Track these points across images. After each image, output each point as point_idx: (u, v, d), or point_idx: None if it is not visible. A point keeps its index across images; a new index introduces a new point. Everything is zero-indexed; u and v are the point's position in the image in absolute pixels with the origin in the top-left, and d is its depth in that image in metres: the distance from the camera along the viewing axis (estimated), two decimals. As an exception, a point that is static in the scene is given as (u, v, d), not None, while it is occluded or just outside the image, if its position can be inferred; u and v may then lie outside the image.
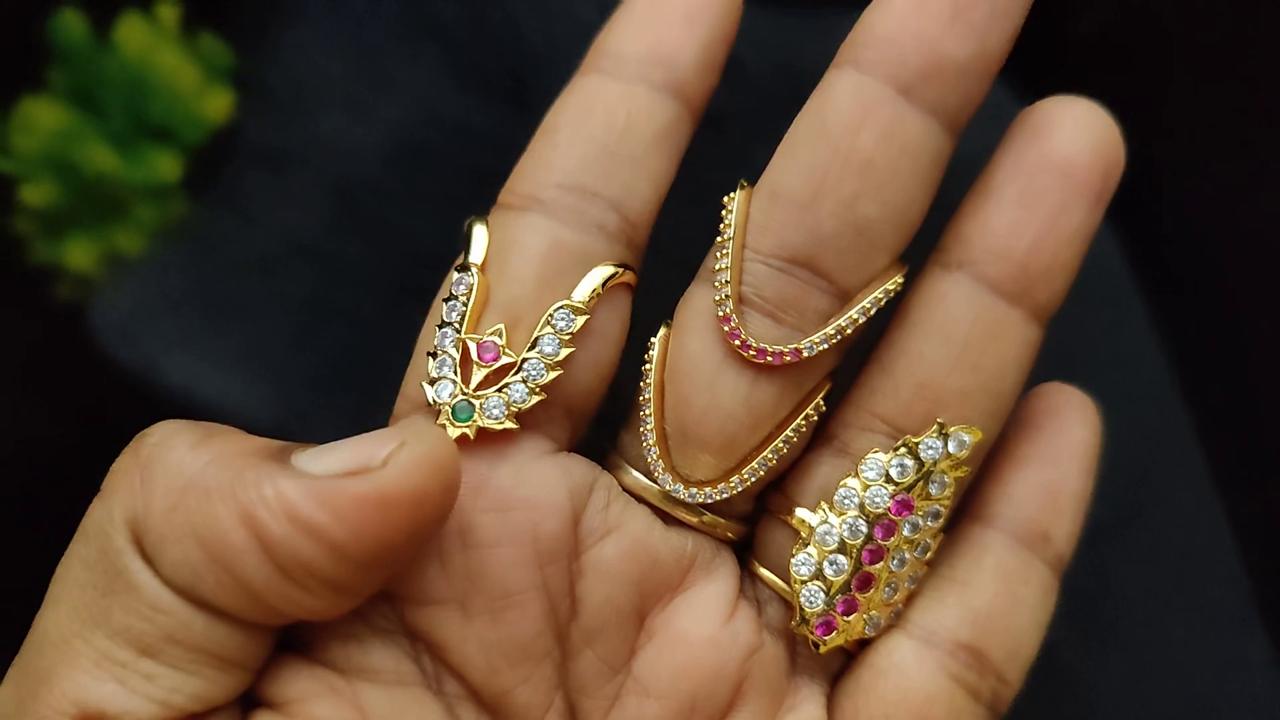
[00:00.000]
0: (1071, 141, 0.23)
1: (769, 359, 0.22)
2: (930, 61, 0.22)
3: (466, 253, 0.23)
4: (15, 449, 0.32)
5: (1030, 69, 0.35)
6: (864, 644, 0.24)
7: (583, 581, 0.22)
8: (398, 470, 0.19)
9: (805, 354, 0.22)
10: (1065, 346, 0.33)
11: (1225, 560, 0.31)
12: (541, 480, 0.22)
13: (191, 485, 0.19)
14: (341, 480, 0.19)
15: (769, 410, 0.23)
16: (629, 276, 0.23)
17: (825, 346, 0.22)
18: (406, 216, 0.34)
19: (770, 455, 0.23)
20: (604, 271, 0.22)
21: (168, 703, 0.20)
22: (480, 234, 0.23)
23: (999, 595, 0.23)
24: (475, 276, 0.22)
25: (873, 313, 0.23)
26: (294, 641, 0.22)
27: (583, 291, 0.22)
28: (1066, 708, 0.30)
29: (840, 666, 0.24)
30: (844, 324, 0.22)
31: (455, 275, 0.23)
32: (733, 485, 0.23)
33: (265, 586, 0.19)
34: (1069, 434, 0.24)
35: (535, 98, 0.34)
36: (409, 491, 0.19)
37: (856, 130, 0.22)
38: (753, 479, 0.23)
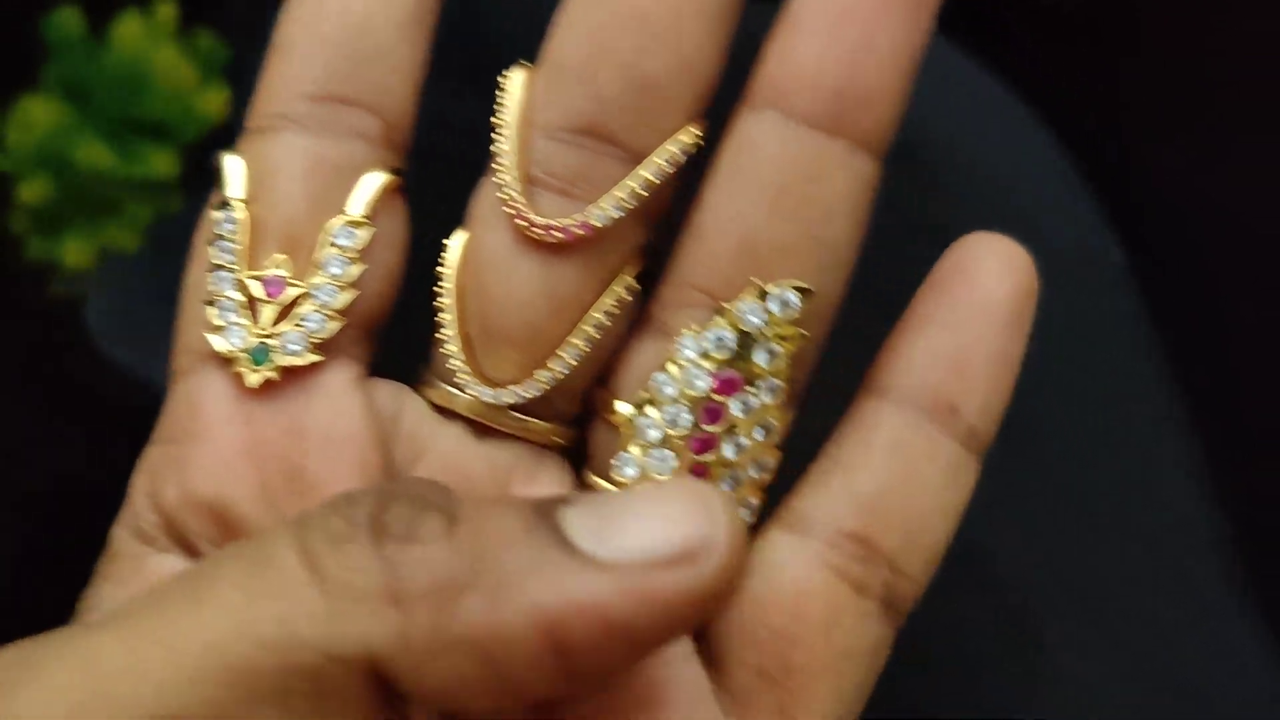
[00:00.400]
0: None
1: (558, 235, 0.21)
2: None
3: (221, 188, 0.21)
4: (10, 446, 0.32)
5: (999, 43, 0.35)
6: None
7: None
8: (726, 559, 0.16)
9: (597, 223, 0.21)
10: (1057, 339, 0.33)
11: (1217, 549, 0.31)
12: (352, 407, 0.21)
13: (467, 590, 0.16)
14: (663, 574, 0.16)
15: (571, 294, 0.21)
16: (400, 181, 0.22)
17: (619, 213, 0.21)
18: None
19: (579, 342, 0.21)
20: (377, 179, 0.21)
21: None
22: (235, 165, 0.21)
23: (890, 476, 0.20)
24: (241, 211, 0.21)
25: (669, 171, 0.21)
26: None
27: (359, 204, 0.21)
28: (1056, 696, 0.30)
29: None
30: (635, 185, 0.21)
31: (217, 214, 0.21)
32: (541, 379, 0.21)
33: (546, 690, 0.17)
34: (980, 288, 0.21)
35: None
36: (734, 581, 0.16)
37: None
38: (563, 369, 0.21)
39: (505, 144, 0.21)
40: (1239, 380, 0.33)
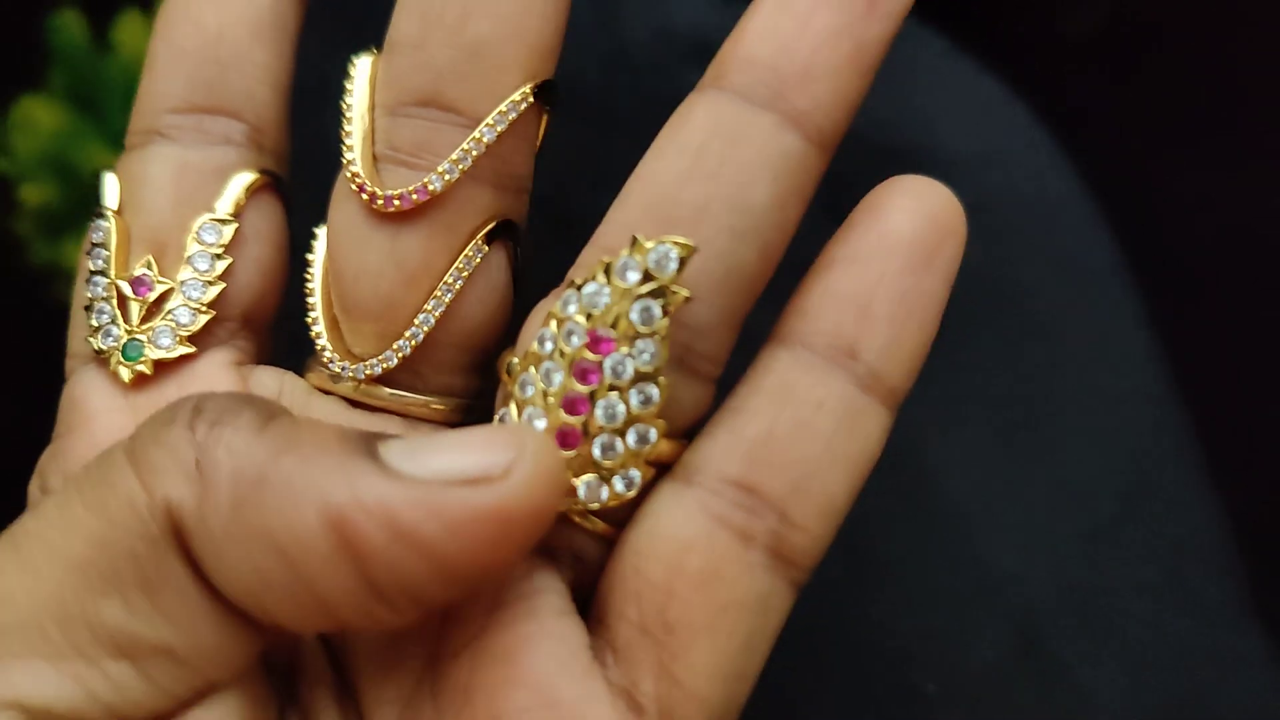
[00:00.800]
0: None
1: (398, 204, 0.21)
2: None
3: (100, 202, 0.22)
4: (11, 449, 0.32)
5: (1023, 64, 0.35)
6: (617, 518, 0.20)
7: None
8: (523, 484, 0.17)
9: (433, 187, 0.21)
10: (1061, 344, 0.33)
11: (1223, 557, 0.31)
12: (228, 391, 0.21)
13: (266, 479, 0.17)
14: (457, 490, 0.16)
15: (420, 261, 0.21)
16: (272, 180, 0.22)
17: (454, 175, 0.21)
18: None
19: (430, 306, 0.21)
20: (244, 178, 0.22)
21: (116, 709, 0.17)
22: (110, 180, 0.22)
23: (778, 420, 0.19)
24: (111, 220, 0.22)
25: (500, 129, 0.21)
26: None
27: (225, 202, 0.22)
28: (1061, 705, 0.30)
29: (597, 551, 0.21)
30: (468, 146, 0.21)
31: (93, 224, 0.22)
32: (398, 348, 0.21)
33: (345, 599, 0.17)
34: (886, 226, 0.19)
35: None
36: (532, 509, 0.17)
37: None
38: (417, 336, 0.21)
39: (350, 126, 0.21)
40: (1247, 388, 0.33)
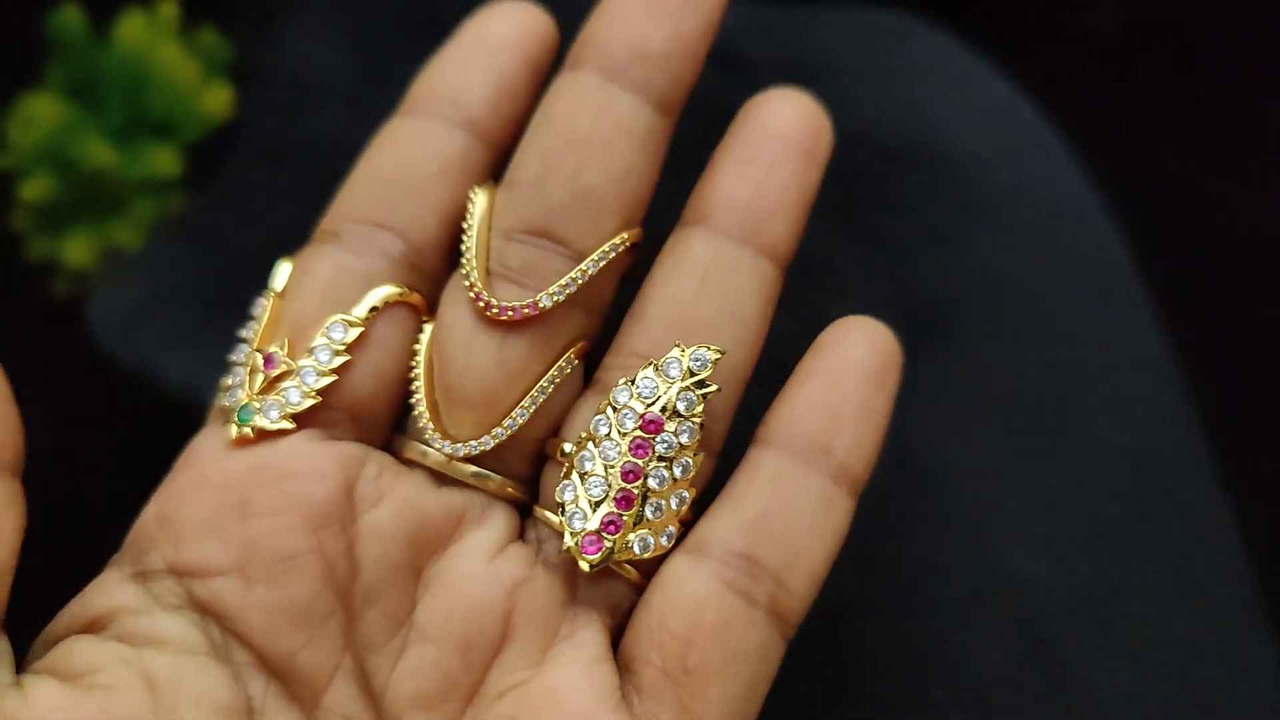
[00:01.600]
0: (774, 115, 0.26)
1: (510, 314, 0.25)
2: (632, 51, 0.25)
3: (271, 283, 0.26)
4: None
5: (1040, 64, 0.35)
6: (646, 571, 0.25)
7: (359, 544, 0.24)
8: None
9: (542, 305, 0.25)
10: (1070, 345, 0.33)
11: (1231, 559, 0.31)
12: (311, 455, 0.24)
13: None
14: None
15: (521, 364, 0.25)
16: (414, 298, 0.25)
17: (560, 297, 0.25)
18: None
19: (527, 404, 0.25)
20: (384, 290, 0.25)
21: None
22: (284, 267, 0.26)
23: (771, 504, 0.24)
24: (269, 299, 0.25)
25: (602, 264, 0.25)
26: (83, 622, 0.23)
27: (361, 307, 0.25)
28: (1068, 708, 0.30)
29: (630, 602, 0.25)
30: (575, 276, 0.25)
31: (257, 300, 0.26)
32: (495, 435, 0.25)
33: None
34: (847, 351, 0.25)
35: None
36: None
37: (575, 114, 0.25)
38: (513, 426, 0.25)
39: (470, 244, 0.25)
40: (1257, 389, 0.33)
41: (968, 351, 0.32)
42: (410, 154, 0.26)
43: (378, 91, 0.35)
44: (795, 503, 0.24)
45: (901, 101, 0.34)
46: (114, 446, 0.34)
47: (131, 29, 0.34)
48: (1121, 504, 0.31)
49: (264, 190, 0.34)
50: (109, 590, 0.24)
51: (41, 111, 0.34)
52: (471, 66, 0.26)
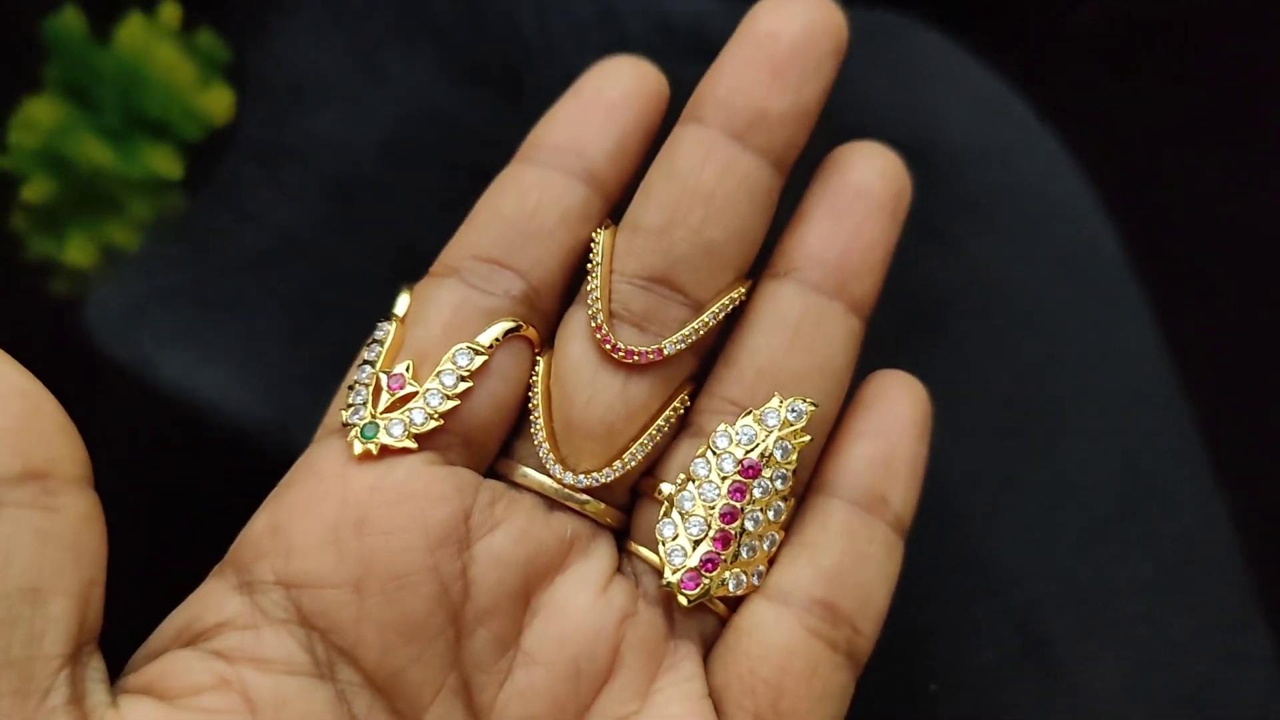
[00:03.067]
0: (864, 171, 0.27)
1: (636, 359, 0.26)
2: (756, 113, 0.26)
3: (392, 310, 0.27)
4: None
5: (1034, 62, 0.35)
6: (732, 607, 0.26)
7: (474, 567, 0.24)
8: None
9: (666, 352, 0.26)
10: (1063, 342, 0.33)
11: (1224, 556, 0.31)
12: (430, 478, 0.25)
13: None
14: None
15: (641, 403, 0.26)
16: (531, 333, 0.26)
17: (683, 346, 0.26)
18: (402, 212, 0.34)
19: (645, 441, 0.26)
20: (506, 324, 0.26)
21: None
22: (404, 297, 0.27)
23: (845, 554, 0.26)
24: (393, 325, 0.26)
25: (721, 317, 0.27)
26: (189, 634, 0.24)
27: (485, 338, 0.26)
28: (1062, 703, 0.30)
29: (715, 633, 0.26)
30: (697, 326, 0.26)
31: (379, 325, 0.27)
32: (615, 468, 0.26)
33: None
34: (896, 409, 0.27)
35: (531, 93, 0.34)
36: None
37: (700, 169, 0.26)
38: (632, 462, 0.26)
39: (596, 284, 0.26)
40: (1249, 386, 0.33)
41: (962, 348, 0.32)
42: (533, 200, 0.27)
43: (374, 92, 0.35)
44: (865, 551, 0.26)
45: (895, 100, 0.34)
46: (111, 446, 0.34)
47: (130, 31, 0.34)
48: (1115, 501, 0.31)
49: (262, 191, 0.34)
50: (213, 601, 0.24)
51: (40, 113, 0.34)
52: (592, 121, 0.27)
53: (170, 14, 0.35)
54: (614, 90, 0.27)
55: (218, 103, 0.35)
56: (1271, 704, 0.30)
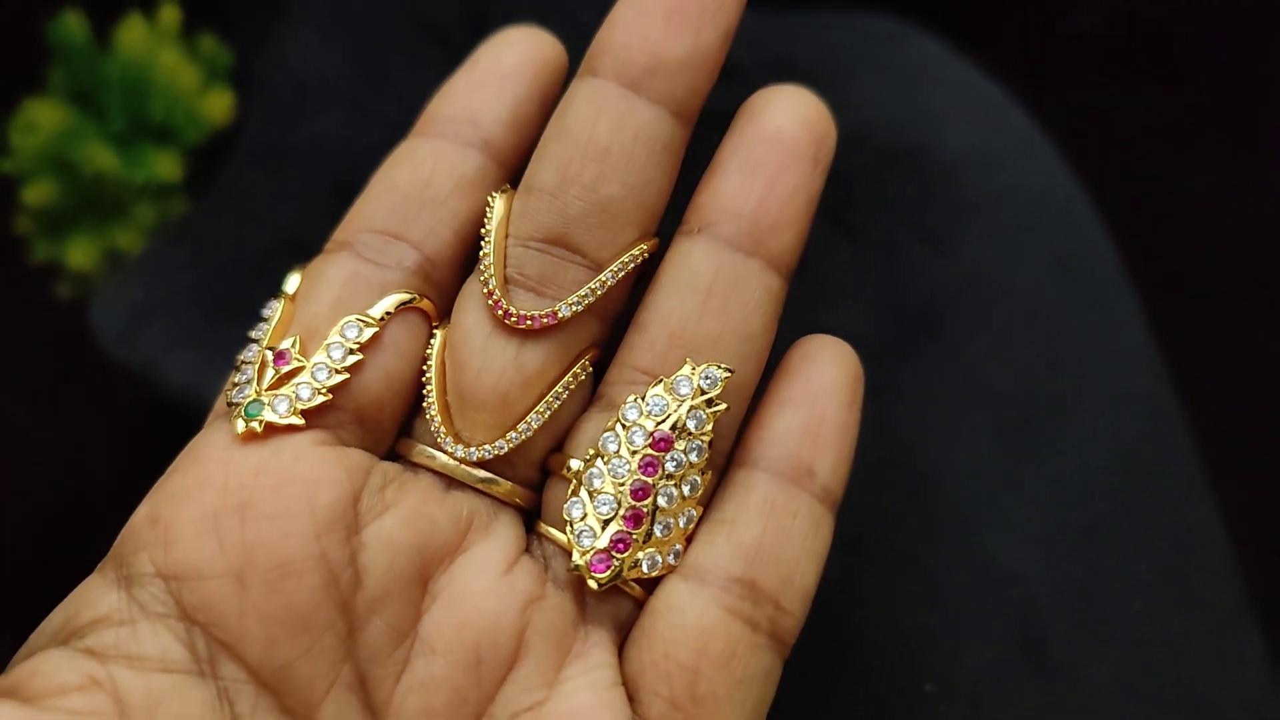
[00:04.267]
0: (781, 116, 0.26)
1: (529, 323, 0.25)
2: (652, 60, 0.25)
3: (283, 287, 0.26)
4: (16, 448, 0.32)
5: (1030, 66, 0.35)
6: (650, 589, 0.25)
7: (364, 553, 0.23)
8: None
9: (561, 315, 0.25)
10: (1060, 344, 0.33)
11: (1220, 556, 0.31)
12: (318, 459, 0.24)
13: None
14: None
15: (537, 370, 0.25)
16: (426, 305, 0.25)
17: (579, 307, 0.25)
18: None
19: (543, 409, 0.25)
20: (398, 296, 0.25)
21: None
22: (295, 275, 0.26)
23: (766, 529, 0.24)
24: (281, 302, 0.25)
25: (621, 276, 0.25)
26: (65, 633, 0.22)
27: (375, 310, 0.25)
28: (1059, 702, 0.30)
29: (633, 617, 0.25)
30: (594, 287, 0.25)
31: (268, 304, 0.26)
32: (510, 439, 0.25)
33: None
34: (822, 374, 0.25)
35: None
36: None
37: (593, 124, 0.25)
38: (527, 431, 0.25)
39: (489, 250, 0.25)
40: (1245, 388, 0.33)
41: (960, 350, 0.33)
42: (427, 170, 0.26)
43: (376, 96, 0.35)
44: (788, 526, 0.24)
45: (893, 104, 0.34)
46: (116, 449, 0.34)
47: (132, 35, 0.35)
48: (1111, 501, 0.31)
49: (264, 194, 0.34)
50: (91, 597, 0.23)
51: (44, 117, 0.34)
52: (487, 90, 0.26)
53: (170, 18, 0.35)
54: (509, 59, 0.27)
55: (220, 107, 0.35)
56: (1267, 703, 0.30)
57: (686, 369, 0.24)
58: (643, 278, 0.26)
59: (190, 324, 0.33)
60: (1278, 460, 0.33)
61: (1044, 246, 0.33)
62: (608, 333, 0.26)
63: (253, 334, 0.25)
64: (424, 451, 0.25)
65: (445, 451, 0.25)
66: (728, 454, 0.26)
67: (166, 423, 0.33)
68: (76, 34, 0.34)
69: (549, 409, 0.25)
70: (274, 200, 0.34)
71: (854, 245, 0.33)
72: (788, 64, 0.34)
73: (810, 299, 0.32)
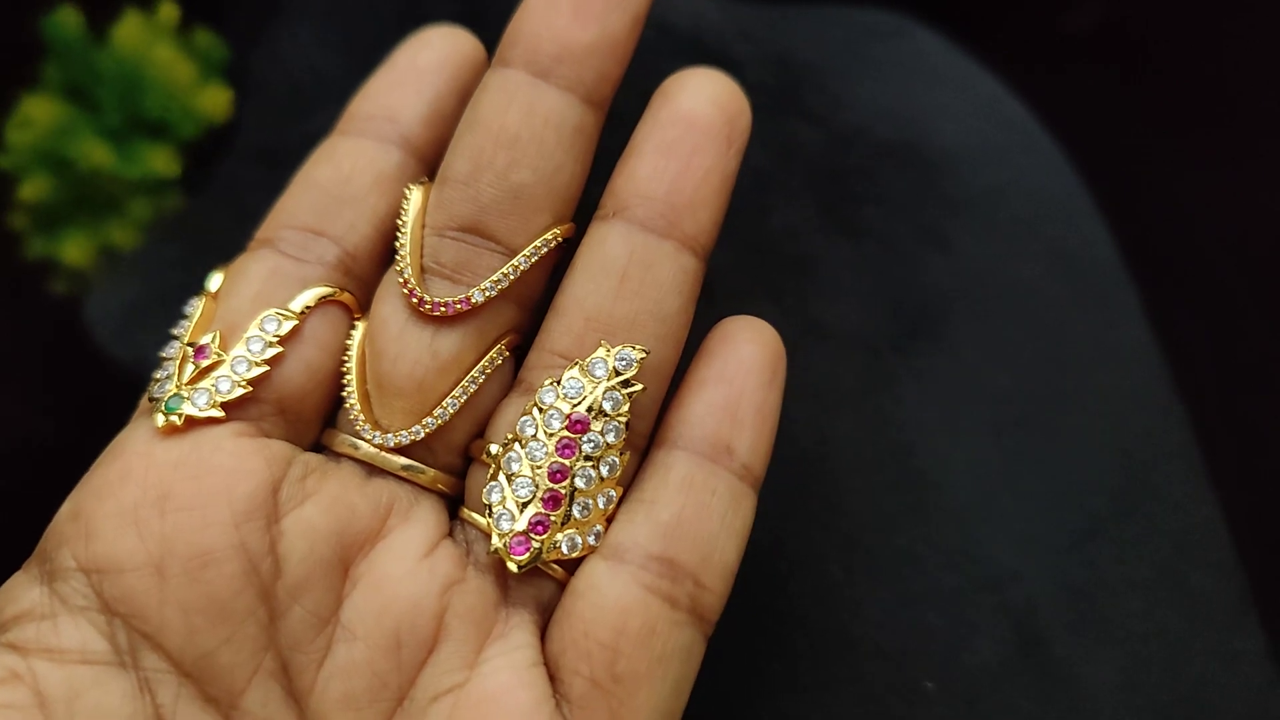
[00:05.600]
0: (694, 98, 0.26)
1: (443, 310, 0.25)
2: (559, 48, 0.25)
3: (205, 285, 0.26)
4: (10, 445, 0.32)
5: (1028, 61, 0.35)
6: (572, 570, 0.25)
7: (284, 541, 0.24)
8: None
9: (475, 300, 0.25)
10: (1060, 341, 0.33)
11: (1220, 553, 0.31)
12: (237, 450, 0.24)
13: None
14: None
15: (453, 356, 0.25)
16: (347, 298, 0.26)
17: (492, 293, 0.25)
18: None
19: (459, 394, 0.25)
20: (318, 290, 0.25)
21: None
22: (218, 274, 0.26)
23: (685, 506, 0.24)
24: (203, 299, 0.26)
25: (535, 260, 0.25)
26: None
27: (296, 304, 0.25)
28: (1059, 701, 0.30)
29: (556, 598, 0.25)
30: (506, 271, 0.25)
31: (189, 301, 0.26)
32: (426, 424, 0.25)
33: None
34: (741, 353, 0.26)
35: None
36: None
37: (504, 112, 0.25)
38: (444, 416, 0.25)
39: (404, 240, 0.25)
40: (1245, 386, 0.33)
41: (958, 347, 0.32)
42: (347, 167, 0.26)
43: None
44: (707, 503, 0.25)
45: (890, 100, 0.34)
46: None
47: (128, 30, 0.34)
48: (1110, 499, 0.31)
49: (260, 191, 0.34)
50: (14, 593, 0.23)
51: (39, 112, 0.34)
52: (406, 88, 0.27)
53: (168, 13, 0.35)
54: (426, 57, 0.27)
55: (216, 102, 0.35)
56: (1267, 701, 0.30)
57: (601, 351, 0.25)
58: (561, 264, 0.26)
59: (185, 320, 0.33)
60: (1278, 459, 0.33)
61: (1043, 243, 0.33)
62: (527, 319, 0.27)
63: (174, 331, 0.26)
64: (346, 440, 0.25)
65: (365, 440, 0.25)
66: (648, 435, 0.26)
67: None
68: (72, 29, 0.34)
69: (465, 393, 0.25)
70: (269, 197, 0.34)
71: (851, 241, 0.33)
72: (786, 59, 0.34)
73: (808, 295, 0.32)
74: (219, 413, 0.24)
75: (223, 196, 0.34)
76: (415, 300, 0.25)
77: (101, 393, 0.33)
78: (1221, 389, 0.33)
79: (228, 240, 0.34)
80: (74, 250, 0.34)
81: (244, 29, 0.36)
